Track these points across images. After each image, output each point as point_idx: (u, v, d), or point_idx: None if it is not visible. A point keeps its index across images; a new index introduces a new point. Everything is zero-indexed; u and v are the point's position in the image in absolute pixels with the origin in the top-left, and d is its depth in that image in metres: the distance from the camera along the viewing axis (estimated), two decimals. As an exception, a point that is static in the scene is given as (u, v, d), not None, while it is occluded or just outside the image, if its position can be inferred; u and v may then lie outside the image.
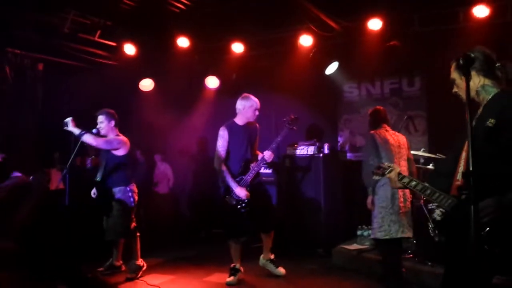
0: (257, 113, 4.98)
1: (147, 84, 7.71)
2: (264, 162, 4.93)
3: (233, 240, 4.95)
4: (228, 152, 4.90)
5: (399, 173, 2.80)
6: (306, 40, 6.57)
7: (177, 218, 8.10)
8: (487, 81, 2.52)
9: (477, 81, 2.52)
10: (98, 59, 7.43)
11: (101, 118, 5.08)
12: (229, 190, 4.85)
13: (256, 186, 4.91)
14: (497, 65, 2.54)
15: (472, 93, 2.51)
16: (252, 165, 4.86)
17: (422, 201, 5.11)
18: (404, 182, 2.75)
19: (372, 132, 4.63)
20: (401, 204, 4.46)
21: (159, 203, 7.87)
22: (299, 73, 7.00)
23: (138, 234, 5.18)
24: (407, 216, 4.51)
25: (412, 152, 5.32)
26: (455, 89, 2.63)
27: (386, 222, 4.42)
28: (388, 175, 2.83)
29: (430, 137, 6.75)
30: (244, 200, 4.78)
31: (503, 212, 2.19)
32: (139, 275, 5.10)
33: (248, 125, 4.98)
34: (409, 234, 4.50)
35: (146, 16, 6.52)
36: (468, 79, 2.24)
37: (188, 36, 6.98)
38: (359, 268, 5.32)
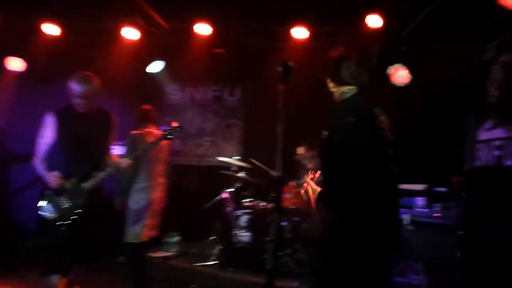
0: (78, 101, 3.67)
1: None
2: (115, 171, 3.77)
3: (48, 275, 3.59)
4: (56, 144, 3.68)
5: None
6: (130, 33, 6.19)
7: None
8: (345, 88, 2.58)
9: (337, 90, 2.62)
10: None
11: None
12: (45, 195, 3.55)
13: (93, 201, 3.66)
14: (357, 71, 2.61)
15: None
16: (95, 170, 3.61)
17: (230, 207, 5.19)
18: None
19: (133, 132, 4.47)
20: (156, 208, 4.41)
21: None
22: (121, 67, 6.53)
23: None
24: (155, 218, 4.47)
25: (226, 159, 5.40)
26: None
27: (140, 225, 4.32)
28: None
29: (244, 146, 6.98)
30: (65, 210, 3.48)
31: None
32: None
33: (94, 113, 3.78)
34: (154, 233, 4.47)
35: None
36: (284, 87, 2.32)
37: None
38: (162, 275, 5.12)
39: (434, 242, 3.64)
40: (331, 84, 2.64)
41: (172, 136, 4.06)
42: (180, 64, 6.68)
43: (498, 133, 4.14)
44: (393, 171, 2.51)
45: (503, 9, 3.80)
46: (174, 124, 4.07)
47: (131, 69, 6.60)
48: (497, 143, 4.10)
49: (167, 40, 6.51)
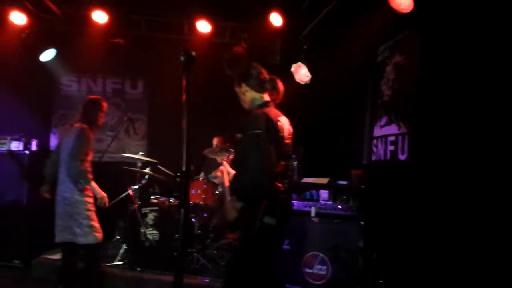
0: None
1: None
2: None
3: None
4: None
5: None
6: (18, 18, 5.64)
7: None
8: (257, 95, 3.01)
9: (250, 95, 3.03)
10: None
11: None
12: None
13: None
14: (266, 79, 3.06)
15: (250, 105, 3.04)
16: None
17: (136, 205, 5.03)
18: None
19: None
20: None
21: None
22: (7, 54, 5.96)
23: None
24: None
25: (131, 155, 5.21)
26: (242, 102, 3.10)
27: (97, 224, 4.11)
28: None
29: (149, 141, 6.79)
30: None
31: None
32: None
33: None
34: None
35: None
36: (187, 76, 2.34)
37: None
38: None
39: (339, 233, 3.89)
40: (244, 89, 3.04)
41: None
42: (76, 53, 6.27)
43: (392, 129, 4.58)
44: (290, 166, 3.01)
45: (395, 12, 4.11)
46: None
47: (21, 57, 6.03)
48: (391, 138, 4.53)
49: (61, 27, 6.05)
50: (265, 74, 3.08)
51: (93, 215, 4.09)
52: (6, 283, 4.77)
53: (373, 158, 4.76)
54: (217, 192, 5.22)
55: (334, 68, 5.32)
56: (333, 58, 5.43)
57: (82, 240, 4.00)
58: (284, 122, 2.99)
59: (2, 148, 5.51)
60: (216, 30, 6.24)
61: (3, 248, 5.32)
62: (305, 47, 5.75)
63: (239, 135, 2.88)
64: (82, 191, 4.04)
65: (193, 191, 5.11)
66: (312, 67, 5.45)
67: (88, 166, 4.07)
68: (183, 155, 2.27)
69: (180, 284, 2.30)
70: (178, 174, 2.34)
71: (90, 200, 4.09)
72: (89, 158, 4.10)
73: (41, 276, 4.92)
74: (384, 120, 4.62)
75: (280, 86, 3.18)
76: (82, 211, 4.03)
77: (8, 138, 5.54)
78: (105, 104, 4.32)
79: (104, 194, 4.14)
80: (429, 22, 4.03)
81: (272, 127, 2.82)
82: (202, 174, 5.92)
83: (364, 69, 5.23)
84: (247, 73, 3.04)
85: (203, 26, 6.08)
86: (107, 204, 4.15)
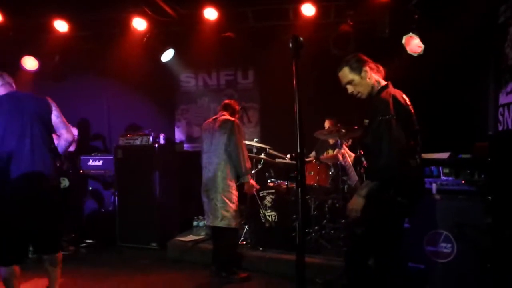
0: None
1: None
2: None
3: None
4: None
5: None
6: (139, 24, 6.19)
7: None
8: (377, 77, 3.03)
9: (373, 77, 3.01)
10: None
11: None
12: None
13: (42, 190, 3.42)
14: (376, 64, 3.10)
15: (370, 90, 3.02)
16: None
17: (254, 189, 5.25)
18: None
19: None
20: None
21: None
22: (132, 58, 6.59)
23: None
24: None
25: (247, 142, 5.45)
26: (351, 89, 3.05)
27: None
28: None
29: (262, 128, 7.02)
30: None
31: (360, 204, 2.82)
32: None
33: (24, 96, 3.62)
34: None
35: None
36: (296, 61, 2.37)
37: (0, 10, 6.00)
38: (195, 259, 5.25)
39: (463, 210, 3.66)
40: (364, 74, 3.00)
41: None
42: (191, 51, 6.69)
43: (520, 95, 4.13)
44: (419, 141, 2.95)
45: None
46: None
47: (143, 59, 6.62)
48: (520, 105, 4.09)
49: (176, 28, 6.51)
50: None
51: (237, 202, 4.45)
52: (147, 263, 5.34)
53: (500, 128, 4.35)
54: (330, 173, 5.23)
55: (449, 35, 4.96)
56: (447, 25, 5.06)
57: (225, 223, 4.35)
58: (407, 99, 2.99)
59: (135, 143, 6.15)
60: (321, 11, 6.17)
61: (141, 233, 5.96)
62: (416, 16, 5.44)
63: (366, 121, 2.93)
64: (232, 177, 4.43)
65: (307, 173, 5.18)
66: (425, 37, 5.14)
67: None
68: (297, 137, 2.30)
69: (302, 263, 2.38)
70: (292, 154, 2.43)
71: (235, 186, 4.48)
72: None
73: (175, 257, 5.43)
74: (510, 86, 4.19)
75: (381, 67, 3.18)
76: (232, 196, 4.41)
77: (140, 133, 6.17)
78: (238, 108, 4.83)
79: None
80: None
81: (401, 108, 2.85)
82: (313, 154, 5.97)
83: (483, 33, 4.78)
84: (358, 60, 3.03)
85: (308, 9, 6.06)
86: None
